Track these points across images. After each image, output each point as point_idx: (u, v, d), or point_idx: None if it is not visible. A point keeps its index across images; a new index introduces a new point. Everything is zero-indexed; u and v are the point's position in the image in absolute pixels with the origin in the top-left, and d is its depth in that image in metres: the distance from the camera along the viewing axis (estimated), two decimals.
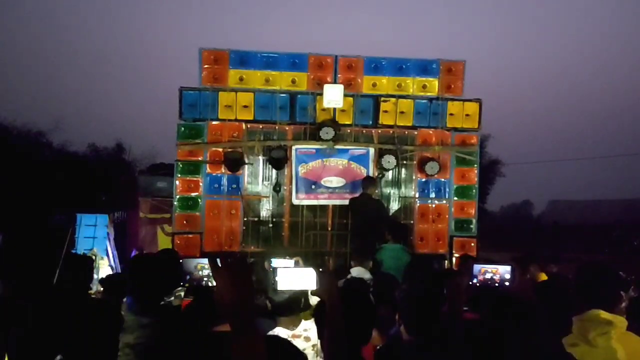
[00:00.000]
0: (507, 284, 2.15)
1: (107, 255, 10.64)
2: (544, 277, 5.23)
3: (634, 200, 25.63)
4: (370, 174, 7.31)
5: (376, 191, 7.09)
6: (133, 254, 11.75)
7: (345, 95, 7.02)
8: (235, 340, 1.47)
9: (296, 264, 3.82)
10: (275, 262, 3.78)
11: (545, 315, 2.10)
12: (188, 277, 2.18)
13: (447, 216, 7.42)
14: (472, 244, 7.43)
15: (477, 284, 2.16)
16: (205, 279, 2.13)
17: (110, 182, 19.66)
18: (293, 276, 2.13)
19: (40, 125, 22.71)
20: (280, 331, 3.05)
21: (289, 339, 2.95)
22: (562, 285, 2.77)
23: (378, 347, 2.59)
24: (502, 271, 2.15)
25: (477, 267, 2.17)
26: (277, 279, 2.10)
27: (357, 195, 7.07)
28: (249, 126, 7.18)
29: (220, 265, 1.56)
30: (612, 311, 2.50)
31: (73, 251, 10.17)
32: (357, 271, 4.79)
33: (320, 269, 2.12)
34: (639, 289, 2.75)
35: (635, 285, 2.82)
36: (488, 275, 2.15)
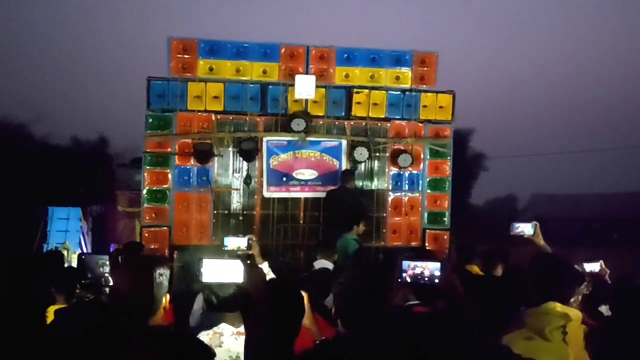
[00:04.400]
0: (436, 280, 2.09)
1: (81, 248, 10.50)
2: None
3: (613, 194, 25.93)
4: (343, 166, 7.25)
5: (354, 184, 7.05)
6: (112, 248, 11.63)
7: (317, 86, 6.93)
8: (129, 339, 1.40)
9: (249, 241, 3.72)
10: (228, 241, 3.68)
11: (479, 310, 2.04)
12: (89, 274, 2.07)
13: (420, 209, 7.38)
14: (445, 237, 7.40)
15: (407, 279, 2.10)
16: (106, 275, 2.04)
17: (92, 175, 19.44)
18: (219, 268, 2.04)
19: (22, 118, 22.36)
20: (225, 328, 2.95)
21: (234, 336, 2.86)
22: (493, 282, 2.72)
23: (317, 342, 2.50)
24: (431, 267, 2.09)
25: (406, 263, 2.10)
26: (202, 270, 2.00)
27: (333, 188, 7.02)
28: (219, 117, 7.04)
29: (120, 263, 1.49)
30: (565, 304, 2.44)
31: (45, 245, 10.08)
32: (320, 264, 4.72)
33: (248, 262, 2.03)
34: (591, 285, 2.70)
35: (590, 280, 2.78)
36: (418, 270, 2.08)
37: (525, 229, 3.58)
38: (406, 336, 2.14)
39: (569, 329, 2.37)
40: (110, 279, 2.05)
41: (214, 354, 1.84)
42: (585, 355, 2.26)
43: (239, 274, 1.96)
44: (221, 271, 1.98)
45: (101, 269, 2.06)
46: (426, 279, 2.08)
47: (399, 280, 2.10)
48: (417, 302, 3.11)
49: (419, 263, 2.10)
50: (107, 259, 2.03)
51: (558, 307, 2.39)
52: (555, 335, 2.33)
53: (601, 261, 3.77)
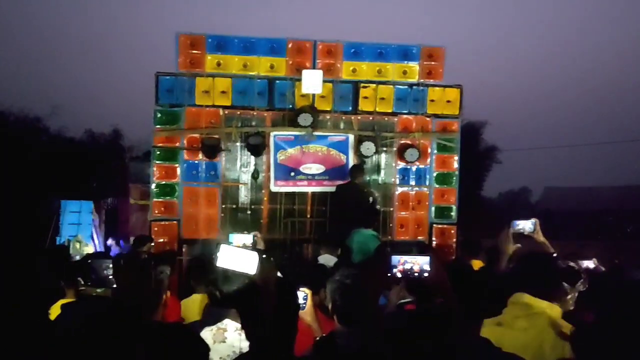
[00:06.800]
0: (425, 274, 2.11)
1: (93, 241, 10.65)
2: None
3: (627, 187, 25.64)
4: (350, 160, 7.27)
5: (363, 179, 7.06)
6: (122, 243, 11.76)
7: (325, 81, 6.94)
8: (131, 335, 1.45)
9: (254, 238, 3.77)
10: (233, 237, 3.73)
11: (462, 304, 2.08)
12: (93, 276, 2.16)
13: (427, 203, 7.38)
14: (452, 231, 7.40)
15: (397, 275, 2.13)
16: (110, 277, 2.12)
17: (106, 168, 19.65)
18: (235, 256, 2.09)
19: (37, 111, 22.56)
20: (228, 323, 3.00)
21: (237, 331, 2.91)
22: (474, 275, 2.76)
23: (317, 338, 2.55)
24: (421, 262, 2.11)
25: (395, 258, 2.13)
26: (218, 254, 2.06)
27: (341, 182, 7.04)
28: (226, 112, 7.09)
29: (122, 266, 1.55)
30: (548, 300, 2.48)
31: (58, 237, 10.24)
32: (324, 258, 4.76)
33: (264, 255, 2.09)
34: (588, 283, 2.70)
35: (586, 278, 2.77)
36: (407, 266, 2.11)
37: (526, 226, 3.60)
38: (395, 335, 2.17)
39: (533, 319, 2.41)
40: (113, 281, 2.13)
41: (207, 347, 1.90)
42: (550, 348, 2.31)
43: (252, 265, 2.00)
44: (236, 259, 2.02)
45: (105, 272, 2.13)
46: (416, 273, 2.11)
47: (389, 275, 2.13)
48: (408, 300, 3.15)
49: (408, 258, 2.12)
50: (111, 263, 2.12)
51: (525, 297, 2.43)
52: (517, 323, 2.39)
53: (594, 259, 3.79)
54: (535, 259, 2.67)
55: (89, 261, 2.22)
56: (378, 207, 7.08)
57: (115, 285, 2.24)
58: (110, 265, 2.12)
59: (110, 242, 11.26)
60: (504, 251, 3.48)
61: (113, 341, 2.15)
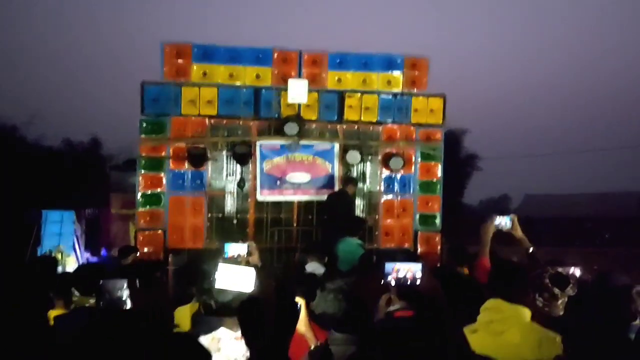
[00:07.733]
0: (418, 281, 2.17)
1: (75, 252, 10.51)
2: None
3: (606, 193, 26.17)
4: (336, 169, 7.33)
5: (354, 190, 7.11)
6: (104, 253, 11.63)
7: (310, 91, 7.01)
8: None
9: (249, 248, 3.79)
10: (228, 247, 3.75)
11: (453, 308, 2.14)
12: (107, 295, 2.17)
13: (411, 211, 7.47)
14: (437, 239, 7.50)
15: (391, 282, 2.18)
16: (124, 298, 2.14)
17: (85, 177, 19.37)
18: (233, 275, 2.12)
19: (15, 120, 22.17)
20: (223, 332, 3.00)
21: (232, 340, 2.92)
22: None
23: (312, 347, 2.58)
24: (414, 269, 2.17)
25: (389, 265, 2.18)
26: (216, 275, 2.09)
27: (333, 191, 7.13)
28: (212, 121, 7.11)
29: (138, 287, 1.57)
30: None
31: (39, 248, 10.08)
32: (312, 267, 4.77)
33: (261, 269, 2.12)
34: (577, 287, 2.77)
35: (575, 283, 2.84)
36: (402, 273, 2.17)
37: (502, 221, 3.70)
38: (387, 342, 2.22)
39: (507, 322, 2.46)
40: (128, 301, 2.15)
41: (210, 356, 1.93)
42: (527, 348, 2.35)
43: (250, 282, 2.03)
44: (234, 278, 2.05)
45: (119, 293, 2.15)
46: (409, 280, 2.17)
47: (382, 282, 2.18)
48: (397, 307, 3.20)
49: (401, 265, 2.18)
50: (126, 284, 2.13)
51: (498, 302, 2.49)
52: (492, 328, 2.44)
53: (580, 266, 3.89)
54: (507, 265, 2.75)
55: (101, 283, 2.23)
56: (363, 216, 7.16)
57: (130, 307, 2.25)
58: (125, 286, 2.13)
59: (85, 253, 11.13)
60: (485, 242, 3.58)
61: (110, 352, 2.16)
